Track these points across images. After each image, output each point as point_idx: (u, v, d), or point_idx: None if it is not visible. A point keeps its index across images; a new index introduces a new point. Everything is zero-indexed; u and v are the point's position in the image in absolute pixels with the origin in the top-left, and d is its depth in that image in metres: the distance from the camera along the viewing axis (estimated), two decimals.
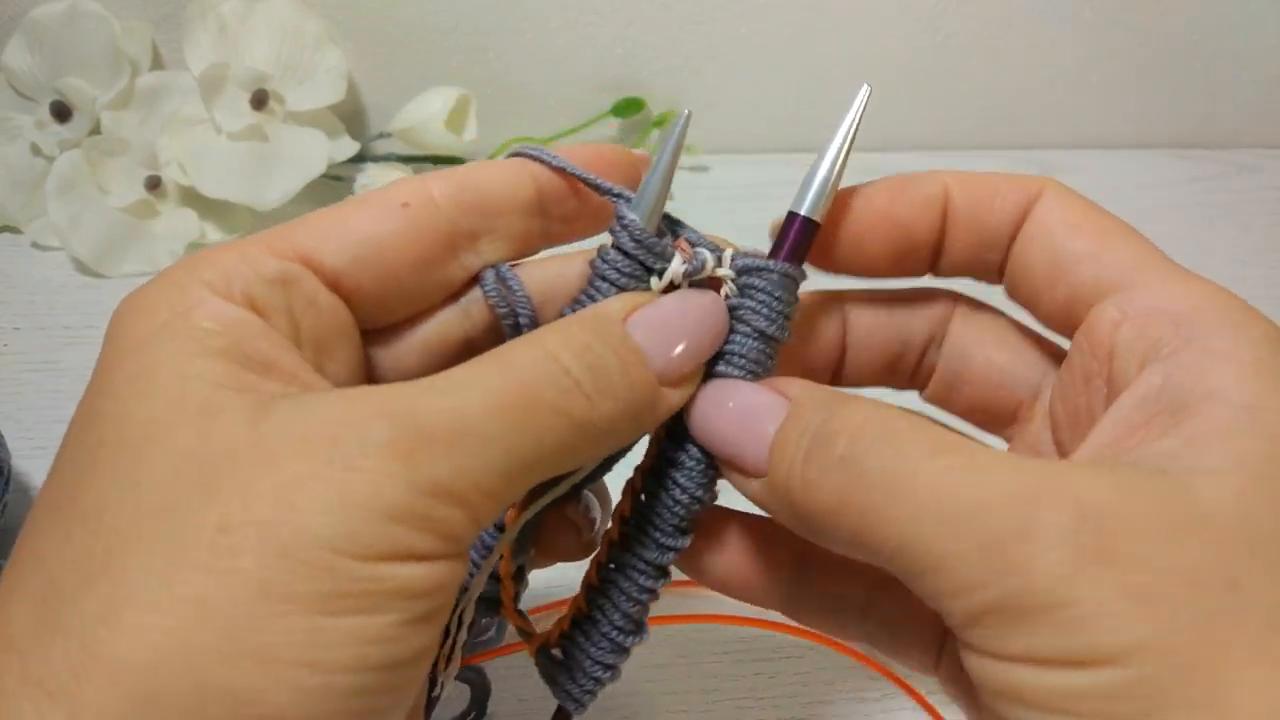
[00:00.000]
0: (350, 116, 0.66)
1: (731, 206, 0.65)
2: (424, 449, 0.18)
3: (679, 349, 0.23)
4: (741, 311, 0.24)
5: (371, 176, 0.61)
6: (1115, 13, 0.70)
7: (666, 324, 0.23)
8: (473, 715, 0.35)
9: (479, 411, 0.19)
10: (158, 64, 0.63)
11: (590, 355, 0.21)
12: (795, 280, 0.25)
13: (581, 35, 0.66)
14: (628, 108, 0.68)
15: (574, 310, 0.24)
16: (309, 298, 0.22)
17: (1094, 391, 0.23)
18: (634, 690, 0.37)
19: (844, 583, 0.26)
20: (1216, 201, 0.71)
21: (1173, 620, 0.17)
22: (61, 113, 0.57)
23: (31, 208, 0.58)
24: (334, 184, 0.64)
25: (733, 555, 0.26)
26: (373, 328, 0.24)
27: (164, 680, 0.16)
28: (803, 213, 0.25)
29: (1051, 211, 0.24)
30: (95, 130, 0.58)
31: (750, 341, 0.24)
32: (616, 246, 0.24)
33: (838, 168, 0.25)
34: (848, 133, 0.25)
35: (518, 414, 0.20)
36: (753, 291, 0.24)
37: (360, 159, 0.64)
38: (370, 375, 0.25)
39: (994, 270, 0.26)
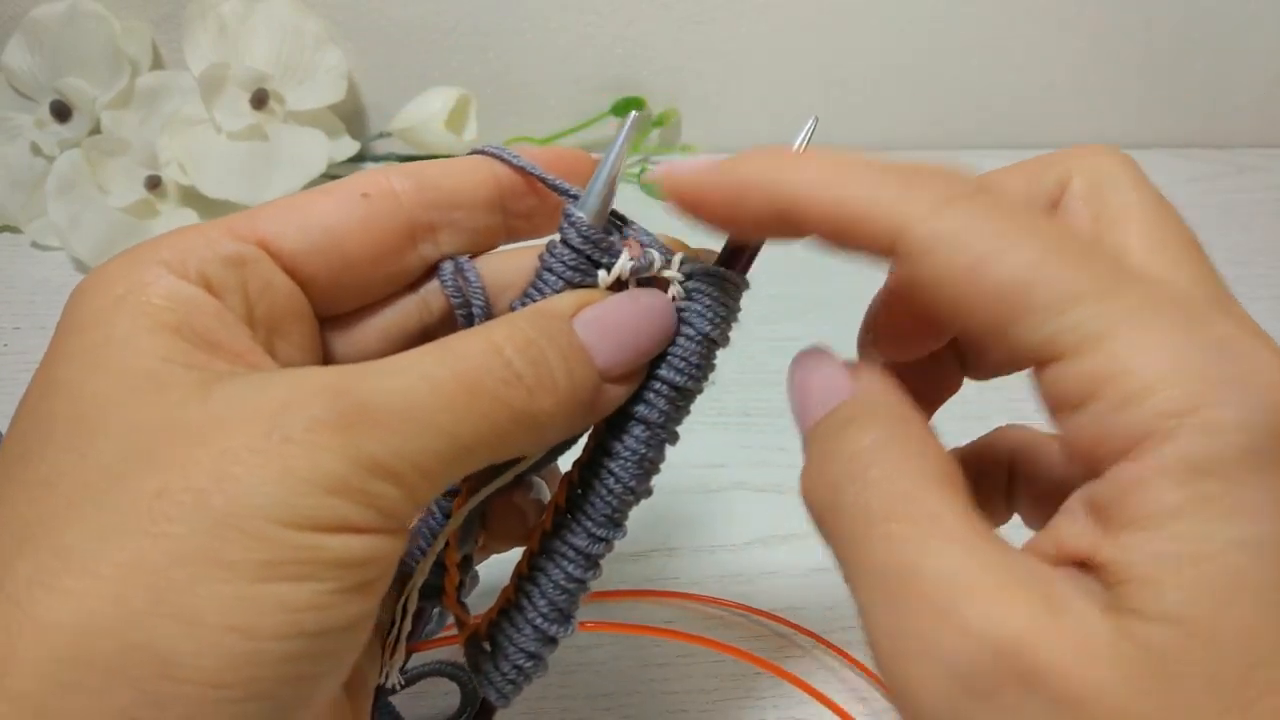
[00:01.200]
0: (350, 116, 0.66)
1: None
2: (363, 425, 0.19)
3: (624, 347, 0.24)
4: (687, 314, 0.25)
5: None
6: (1115, 13, 0.70)
7: (613, 322, 0.24)
8: (465, 716, 0.35)
9: (420, 394, 0.20)
10: (158, 64, 0.63)
11: (534, 350, 0.22)
12: (739, 287, 0.26)
13: (581, 35, 0.66)
14: (628, 108, 0.68)
15: (523, 303, 0.25)
16: (265, 280, 0.23)
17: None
18: (634, 690, 0.37)
19: None
20: (1216, 201, 0.71)
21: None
22: (61, 113, 0.57)
23: (31, 208, 0.58)
24: None
25: None
26: (330, 314, 0.25)
27: (93, 641, 0.17)
28: None
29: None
30: (95, 130, 0.58)
31: (692, 345, 0.25)
32: (564, 241, 0.25)
33: None
34: None
35: (458, 399, 0.20)
36: (699, 295, 0.25)
37: (360, 159, 0.64)
38: (326, 360, 0.25)
39: None
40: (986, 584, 0.17)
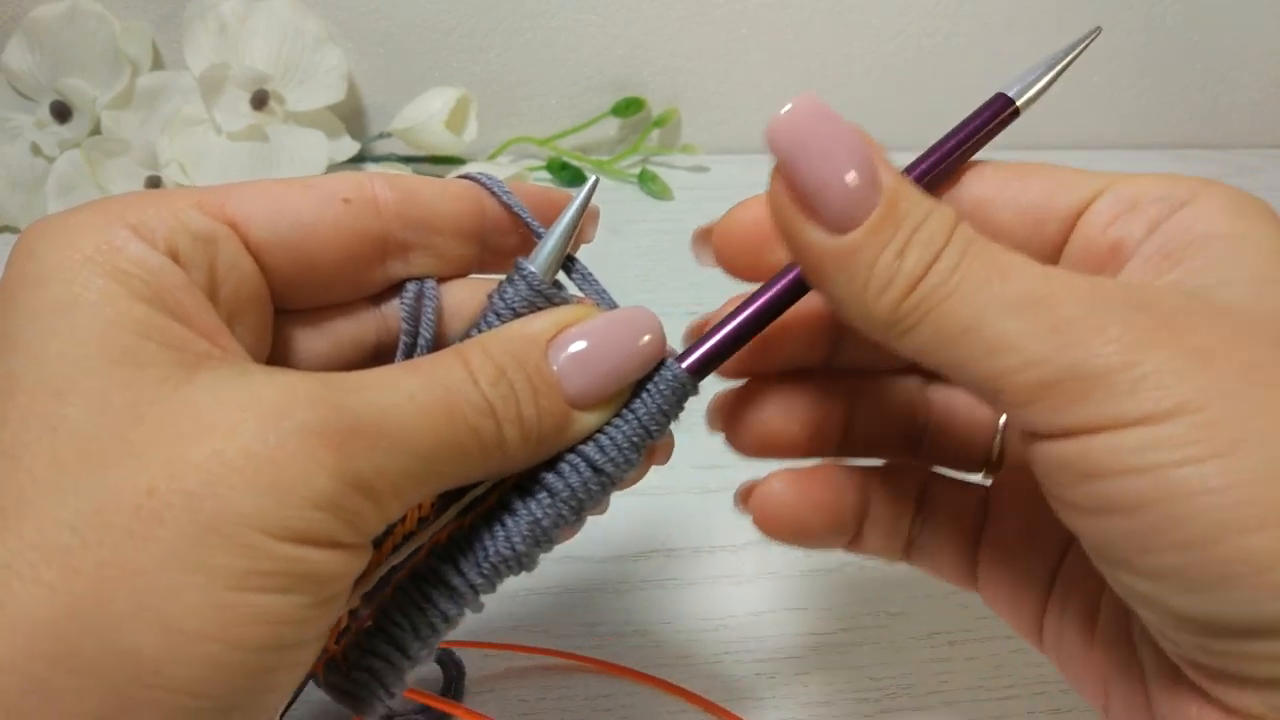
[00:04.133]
0: (350, 116, 0.66)
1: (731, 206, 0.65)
2: (354, 442, 0.19)
3: (599, 375, 0.23)
4: (634, 401, 0.24)
5: None
6: (1115, 13, 0.70)
7: (592, 347, 0.23)
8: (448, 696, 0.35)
9: (407, 415, 0.20)
10: (158, 64, 0.63)
11: (502, 383, 0.22)
12: (689, 395, 0.25)
13: (581, 35, 0.66)
14: (628, 108, 0.68)
15: (470, 336, 0.24)
16: (232, 261, 0.22)
17: None
18: (634, 690, 0.37)
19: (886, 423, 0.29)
20: None
21: (1227, 370, 0.19)
22: (61, 113, 0.57)
23: (31, 208, 0.58)
24: None
25: (772, 416, 0.28)
26: (286, 308, 0.24)
27: (73, 641, 0.16)
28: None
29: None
30: (95, 130, 0.58)
31: (628, 429, 0.24)
32: (514, 291, 0.24)
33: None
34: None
35: (440, 424, 0.20)
36: (654, 386, 0.24)
37: (360, 159, 0.64)
38: (276, 351, 0.25)
39: None
40: (1117, 280, 0.23)
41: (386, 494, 0.19)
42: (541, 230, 0.25)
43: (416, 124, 0.61)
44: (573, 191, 0.26)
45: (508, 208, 0.25)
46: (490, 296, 0.25)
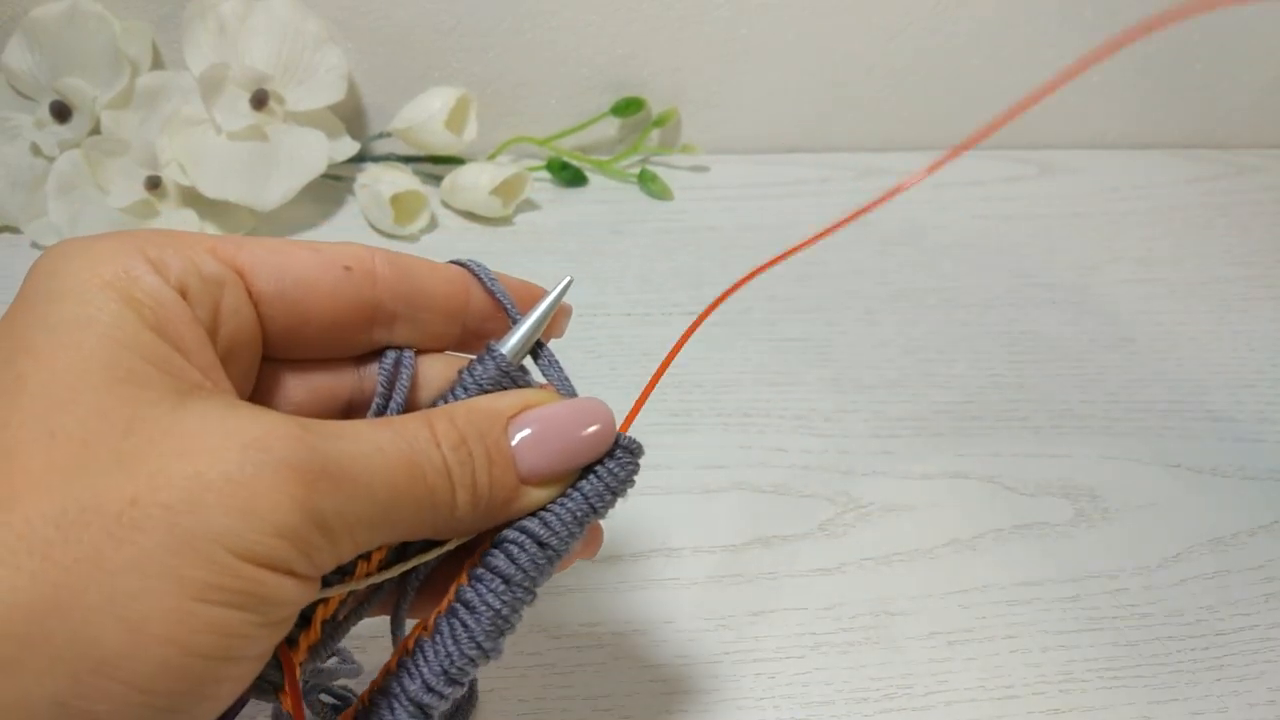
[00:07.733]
0: (350, 116, 0.66)
1: (732, 206, 0.65)
2: (322, 482, 0.20)
3: (552, 456, 0.25)
4: (579, 480, 0.26)
5: (371, 176, 0.61)
6: (1115, 13, 0.70)
7: (549, 430, 0.25)
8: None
9: (374, 466, 0.22)
10: (158, 64, 0.63)
11: (462, 450, 0.24)
12: (633, 469, 0.27)
13: (581, 35, 0.66)
14: (628, 108, 0.68)
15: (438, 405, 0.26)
16: (234, 306, 0.24)
17: None
18: (633, 690, 0.37)
19: None
20: (1216, 201, 0.71)
21: None
22: (61, 113, 0.57)
23: (31, 208, 0.58)
24: (334, 184, 0.64)
25: None
26: (274, 357, 0.26)
27: (44, 627, 0.18)
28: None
29: None
30: (95, 130, 0.58)
31: (574, 507, 0.26)
32: (483, 371, 0.27)
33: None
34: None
35: (400, 478, 0.22)
36: (601, 466, 0.26)
37: (360, 159, 0.64)
38: (256, 392, 0.27)
39: None
40: None
41: (342, 534, 0.21)
42: (518, 317, 0.28)
43: (416, 124, 0.61)
44: (548, 288, 0.28)
45: (491, 294, 0.28)
46: (460, 372, 0.27)
